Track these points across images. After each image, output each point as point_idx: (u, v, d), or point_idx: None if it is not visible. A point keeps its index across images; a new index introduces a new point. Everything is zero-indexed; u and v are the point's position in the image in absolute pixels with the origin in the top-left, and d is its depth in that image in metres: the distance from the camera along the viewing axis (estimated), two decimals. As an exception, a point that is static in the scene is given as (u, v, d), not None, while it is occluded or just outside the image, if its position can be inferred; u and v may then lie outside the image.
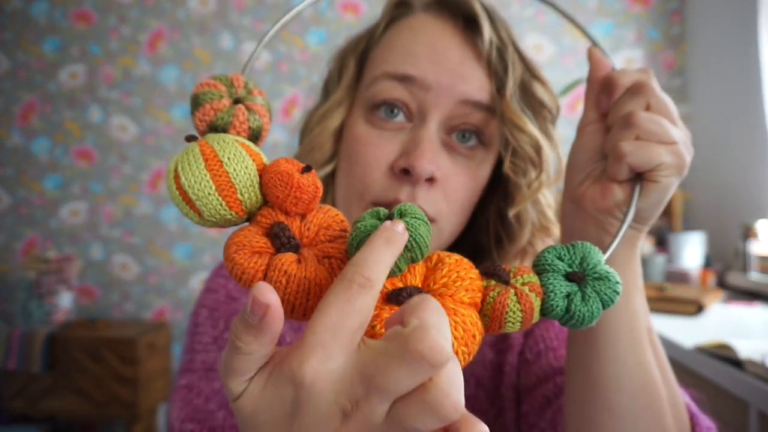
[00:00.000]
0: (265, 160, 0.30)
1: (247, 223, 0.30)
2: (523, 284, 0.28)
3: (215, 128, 0.31)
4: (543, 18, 2.34)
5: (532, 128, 0.47)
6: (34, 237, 2.45)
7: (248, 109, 0.32)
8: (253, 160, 0.29)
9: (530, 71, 0.50)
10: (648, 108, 0.35)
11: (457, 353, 0.25)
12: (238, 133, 0.31)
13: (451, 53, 0.47)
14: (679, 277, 1.83)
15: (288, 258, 0.27)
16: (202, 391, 0.52)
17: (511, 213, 0.50)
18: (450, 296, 0.27)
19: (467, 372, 0.55)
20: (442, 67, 0.46)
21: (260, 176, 0.29)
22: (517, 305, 0.27)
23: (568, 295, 0.28)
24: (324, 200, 0.51)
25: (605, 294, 0.28)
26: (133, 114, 2.42)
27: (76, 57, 2.43)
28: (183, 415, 0.51)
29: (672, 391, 0.41)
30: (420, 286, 0.27)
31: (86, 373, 2.00)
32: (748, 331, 1.29)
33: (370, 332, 0.26)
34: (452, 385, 0.22)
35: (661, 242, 2.04)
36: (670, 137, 0.34)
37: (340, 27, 2.35)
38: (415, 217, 0.27)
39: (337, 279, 0.24)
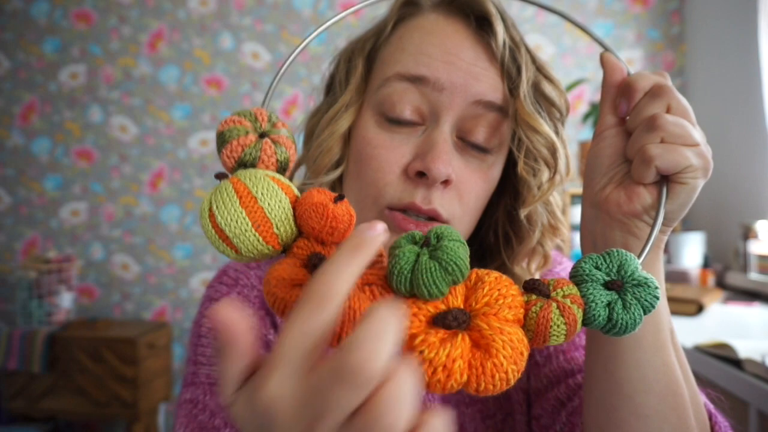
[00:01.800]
0: (296, 191, 0.31)
1: (283, 255, 0.30)
2: (564, 297, 0.28)
3: (243, 164, 0.31)
4: (543, 18, 2.34)
5: (546, 129, 0.47)
6: (34, 237, 2.45)
7: (274, 142, 0.32)
8: (285, 193, 0.29)
9: (541, 71, 0.50)
10: (669, 110, 0.35)
11: (507, 372, 0.25)
12: (267, 167, 0.31)
13: (464, 53, 0.46)
14: (679, 277, 1.84)
15: None
16: (207, 406, 0.51)
17: (523, 214, 0.49)
18: (494, 315, 0.26)
19: None
20: (456, 67, 0.45)
21: (294, 208, 0.29)
22: (561, 318, 0.27)
23: (609, 304, 0.28)
24: None
25: (646, 300, 0.28)
26: (134, 114, 2.42)
27: (76, 57, 2.43)
28: (188, 431, 0.50)
29: (693, 391, 0.41)
30: (462, 307, 0.27)
31: (86, 372, 2.01)
32: (747, 331, 1.29)
33: (419, 358, 0.25)
34: (392, 401, 0.21)
35: (661, 242, 2.04)
36: (693, 139, 0.34)
37: (341, 27, 2.35)
38: (453, 239, 0.27)
39: (300, 295, 0.23)
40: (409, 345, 0.25)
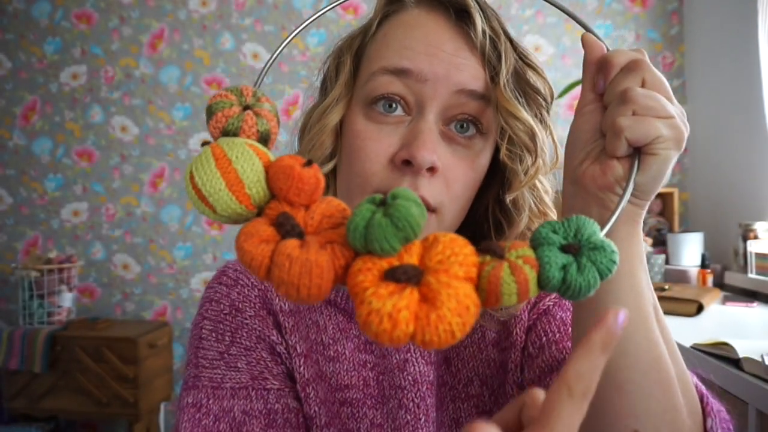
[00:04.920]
0: (272, 158, 0.32)
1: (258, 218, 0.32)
2: (517, 258, 0.28)
3: (227, 133, 0.33)
4: (543, 19, 2.35)
5: (525, 115, 0.48)
6: (35, 237, 2.45)
7: (256, 114, 0.34)
8: (260, 159, 0.31)
9: (523, 59, 0.51)
10: (643, 84, 0.36)
11: (450, 323, 0.25)
12: (248, 137, 0.34)
13: (445, 45, 0.47)
14: (678, 277, 1.84)
15: (291, 243, 0.28)
16: (210, 410, 0.51)
17: (508, 198, 0.51)
18: (444, 271, 0.27)
19: (472, 372, 0.55)
20: (437, 58, 0.46)
21: (266, 172, 0.31)
22: (511, 277, 0.27)
23: (564, 267, 0.28)
24: (327, 193, 0.50)
25: (601, 263, 0.28)
26: (134, 114, 2.43)
27: (77, 58, 2.44)
28: None
29: (680, 368, 0.41)
30: (417, 264, 0.28)
31: (87, 372, 2.01)
32: (747, 330, 1.30)
33: (368, 308, 0.26)
34: None
35: (660, 242, 2.05)
36: (666, 111, 0.35)
37: (340, 27, 2.36)
38: (407, 199, 0.28)
39: (561, 389, 0.24)
40: (360, 297, 0.26)
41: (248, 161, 0.31)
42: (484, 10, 0.49)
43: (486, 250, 0.29)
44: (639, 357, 0.38)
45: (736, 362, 1.00)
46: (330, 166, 0.52)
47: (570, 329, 0.54)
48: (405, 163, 0.46)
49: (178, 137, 2.43)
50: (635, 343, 0.38)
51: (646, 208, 0.39)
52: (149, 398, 2.07)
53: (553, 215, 0.53)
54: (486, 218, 0.55)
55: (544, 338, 0.53)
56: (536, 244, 0.29)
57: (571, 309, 0.52)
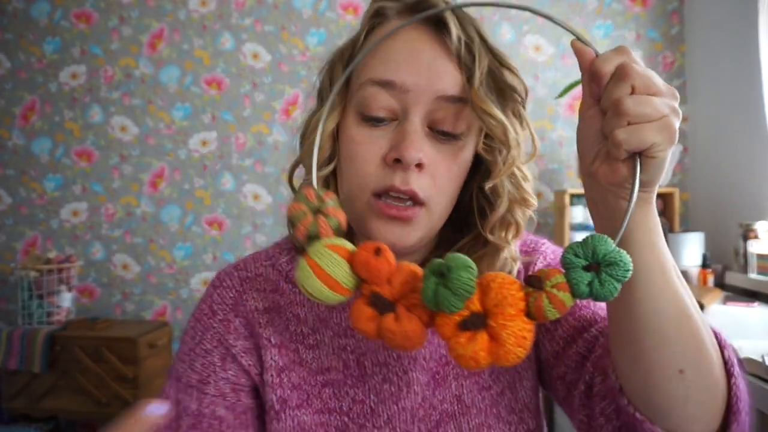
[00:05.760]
0: (350, 247, 0.43)
1: (358, 299, 0.43)
2: (552, 287, 0.37)
3: (311, 237, 0.44)
4: (543, 19, 2.34)
5: (497, 112, 0.52)
6: (35, 237, 2.45)
7: (326, 215, 0.45)
8: (342, 255, 0.42)
9: (498, 59, 0.55)
10: (633, 90, 0.38)
11: (515, 353, 0.36)
12: (327, 236, 0.44)
13: (424, 54, 0.53)
14: (679, 277, 1.84)
15: (389, 319, 0.41)
16: (169, 398, 0.59)
17: (488, 186, 0.56)
18: (501, 313, 0.37)
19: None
20: (418, 68, 0.52)
21: (350, 263, 0.42)
22: (550, 305, 0.37)
23: (589, 283, 0.37)
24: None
25: (617, 275, 0.37)
26: (134, 114, 2.43)
27: (76, 57, 2.44)
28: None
29: (702, 319, 0.47)
30: (479, 308, 0.38)
31: (87, 372, 2.01)
32: (747, 330, 1.30)
33: (454, 354, 0.38)
34: None
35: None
36: (658, 113, 0.38)
37: (340, 27, 2.36)
38: (459, 268, 0.38)
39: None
40: (448, 345, 0.38)
41: (335, 264, 0.42)
42: (459, 17, 0.54)
43: (529, 284, 0.38)
44: (669, 311, 0.44)
45: (736, 362, 1.00)
46: (330, 168, 0.57)
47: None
48: (396, 162, 0.52)
49: (177, 137, 2.42)
50: (664, 299, 0.44)
51: (656, 191, 0.43)
52: (149, 398, 2.06)
53: (533, 201, 0.58)
54: (471, 205, 0.60)
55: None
56: (566, 267, 0.38)
57: None
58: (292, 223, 0.44)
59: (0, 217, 2.46)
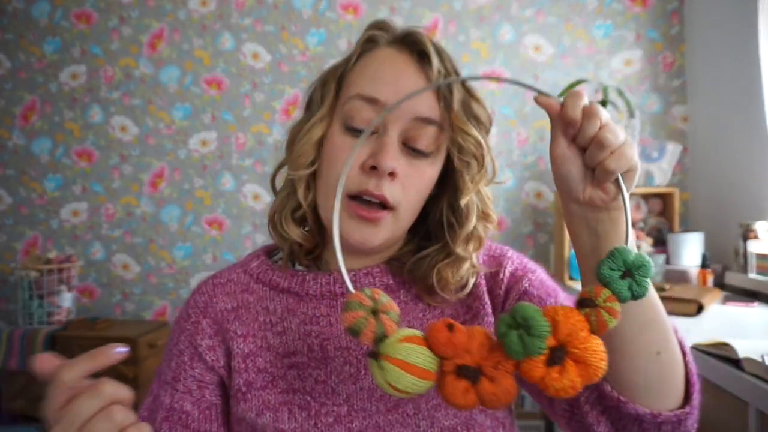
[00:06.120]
0: (419, 333, 0.46)
1: (446, 379, 0.46)
2: (604, 301, 0.44)
3: (378, 339, 0.46)
4: (543, 18, 2.34)
5: (475, 132, 0.61)
6: (35, 237, 2.45)
7: (384, 312, 0.47)
8: (417, 343, 0.45)
9: (468, 93, 0.64)
10: (601, 125, 0.46)
11: (600, 368, 0.42)
12: (393, 331, 0.47)
13: (407, 80, 0.60)
14: (679, 277, 1.84)
15: (485, 383, 0.43)
16: (151, 392, 0.66)
17: (463, 201, 0.63)
18: (576, 339, 0.42)
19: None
20: (400, 90, 0.59)
21: (428, 346, 0.45)
22: (611, 317, 0.43)
23: (629, 287, 0.44)
24: (307, 196, 0.64)
25: (647, 274, 0.44)
26: (134, 114, 2.43)
27: (77, 57, 2.44)
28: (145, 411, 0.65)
29: (669, 322, 0.55)
30: (555, 343, 0.43)
31: (87, 372, 2.00)
32: (747, 331, 1.30)
33: (552, 389, 0.42)
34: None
35: (660, 242, 2.05)
36: (622, 138, 0.47)
37: (340, 27, 2.36)
38: (532, 314, 0.42)
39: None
40: (543, 384, 0.42)
41: (418, 354, 0.44)
42: (440, 53, 0.62)
43: (584, 305, 0.44)
44: (649, 300, 0.51)
45: (736, 362, 1.00)
46: (311, 169, 0.64)
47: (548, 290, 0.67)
48: (372, 169, 0.58)
49: (177, 137, 2.43)
50: (636, 304, 0.49)
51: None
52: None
53: (494, 217, 0.66)
54: (439, 220, 0.66)
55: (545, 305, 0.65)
56: (606, 282, 0.44)
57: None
58: (354, 332, 0.46)
59: (0, 217, 2.46)
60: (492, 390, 0.43)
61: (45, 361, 0.46)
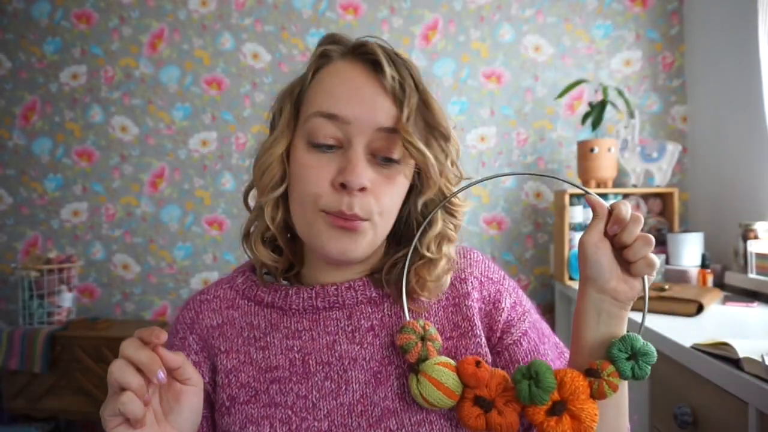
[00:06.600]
0: (452, 363, 0.59)
1: (464, 402, 0.58)
2: (608, 375, 0.54)
3: (421, 359, 0.59)
4: (543, 19, 2.34)
5: (419, 144, 0.61)
6: (35, 237, 2.46)
7: (430, 340, 0.60)
8: (450, 369, 0.58)
9: (422, 96, 0.63)
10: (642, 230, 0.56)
11: (591, 427, 0.54)
12: (433, 355, 0.59)
13: (363, 91, 0.60)
14: (678, 277, 1.84)
15: (494, 414, 0.56)
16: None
17: (420, 202, 0.65)
18: (576, 399, 0.54)
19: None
20: (359, 104, 0.60)
21: (458, 375, 0.58)
22: (610, 389, 0.54)
23: (632, 368, 0.55)
24: (275, 218, 0.65)
25: (649, 361, 0.55)
26: (134, 114, 2.43)
27: (77, 57, 2.44)
28: None
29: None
30: (558, 397, 0.54)
31: (88, 372, 2.01)
32: (747, 330, 1.30)
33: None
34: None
35: (660, 242, 2.05)
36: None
37: (340, 27, 2.36)
38: (544, 373, 0.54)
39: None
40: (540, 427, 0.54)
41: (448, 377, 0.57)
42: (393, 60, 0.62)
43: (591, 374, 0.55)
44: (619, 404, 0.61)
45: (736, 362, 1.00)
46: (281, 190, 0.64)
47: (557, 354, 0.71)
48: (342, 186, 0.59)
49: (178, 137, 2.43)
50: (620, 393, 0.59)
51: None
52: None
53: (462, 218, 0.68)
54: (410, 219, 0.68)
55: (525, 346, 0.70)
56: (613, 360, 0.55)
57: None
58: (404, 350, 0.59)
59: (0, 217, 2.46)
60: (499, 421, 0.54)
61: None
